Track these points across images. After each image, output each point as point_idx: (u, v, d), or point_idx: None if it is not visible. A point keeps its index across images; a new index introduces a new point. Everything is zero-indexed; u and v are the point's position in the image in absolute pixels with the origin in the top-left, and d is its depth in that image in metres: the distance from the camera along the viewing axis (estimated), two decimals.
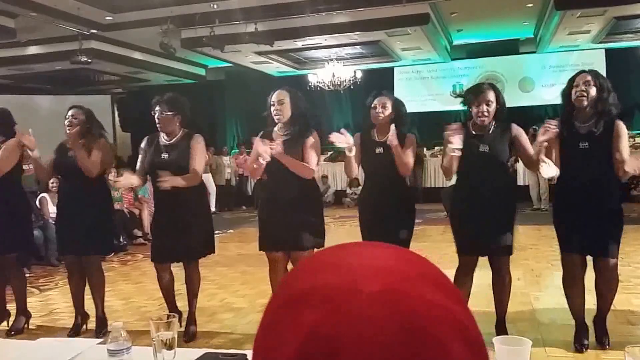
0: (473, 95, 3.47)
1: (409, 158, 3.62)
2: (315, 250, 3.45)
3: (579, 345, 3.43)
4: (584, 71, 3.38)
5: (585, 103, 3.26)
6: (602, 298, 3.46)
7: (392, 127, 3.54)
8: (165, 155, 3.79)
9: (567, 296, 3.54)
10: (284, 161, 3.48)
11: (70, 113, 3.99)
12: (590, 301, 3.53)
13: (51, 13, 8.92)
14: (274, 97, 3.66)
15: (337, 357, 0.42)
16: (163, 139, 3.86)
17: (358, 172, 3.87)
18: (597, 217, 3.28)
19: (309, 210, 3.63)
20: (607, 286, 3.41)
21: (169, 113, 3.79)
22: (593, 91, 3.26)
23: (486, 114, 3.40)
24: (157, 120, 3.81)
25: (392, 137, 3.50)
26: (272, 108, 3.64)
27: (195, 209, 3.91)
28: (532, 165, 3.47)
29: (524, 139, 3.53)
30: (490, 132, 3.47)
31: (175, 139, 3.84)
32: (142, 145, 3.95)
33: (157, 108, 3.80)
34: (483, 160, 3.45)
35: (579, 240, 3.35)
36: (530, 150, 3.47)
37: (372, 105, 3.69)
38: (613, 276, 3.39)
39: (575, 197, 3.34)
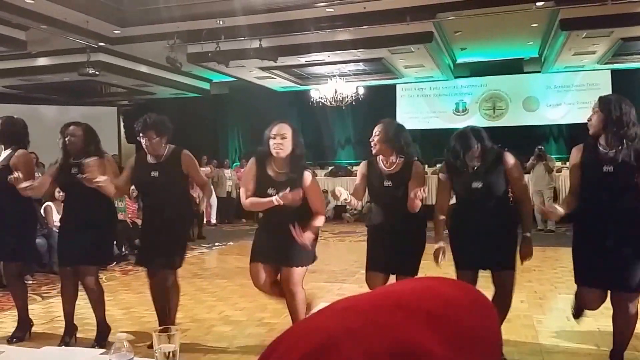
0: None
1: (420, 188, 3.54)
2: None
3: None
4: (601, 97, 3.29)
5: (591, 131, 3.22)
6: (620, 333, 3.31)
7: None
8: (155, 174, 3.87)
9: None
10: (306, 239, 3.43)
11: (72, 133, 4.01)
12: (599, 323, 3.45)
13: (61, 26, 9.08)
14: (275, 130, 3.50)
15: None
16: (150, 158, 3.94)
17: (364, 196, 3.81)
18: (620, 248, 3.12)
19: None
20: (625, 322, 3.26)
21: (156, 139, 3.86)
22: (595, 118, 3.19)
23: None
24: (145, 147, 3.90)
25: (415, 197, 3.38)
26: (272, 141, 3.49)
27: (179, 220, 4.02)
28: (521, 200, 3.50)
29: (515, 170, 3.50)
30: (482, 166, 3.44)
31: (163, 157, 3.93)
32: (130, 164, 4.04)
33: (143, 134, 3.86)
34: (478, 195, 3.44)
35: (599, 273, 3.18)
36: (521, 181, 3.48)
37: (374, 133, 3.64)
38: (633, 312, 3.22)
39: (598, 225, 3.19)
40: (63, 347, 3.35)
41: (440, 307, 0.60)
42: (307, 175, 3.57)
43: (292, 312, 3.67)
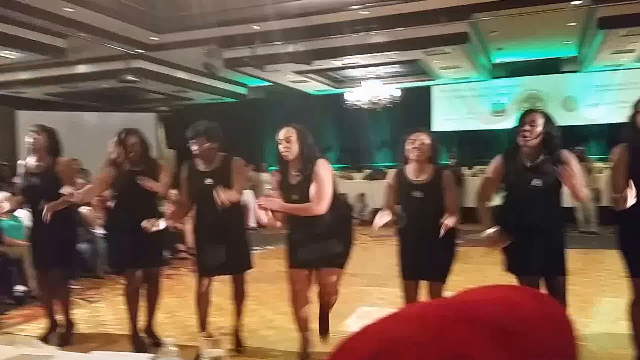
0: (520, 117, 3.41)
1: (453, 204, 3.56)
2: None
3: None
4: None
5: None
6: None
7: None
8: (210, 181, 3.86)
9: (634, 321, 3.31)
10: (287, 212, 3.62)
11: (131, 140, 4.11)
12: None
13: (100, 33, 9.29)
14: (280, 135, 3.62)
15: None
16: (202, 166, 3.94)
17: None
18: None
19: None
20: None
21: (207, 144, 3.86)
22: None
23: (527, 134, 3.33)
24: (197, 154, 3.89)
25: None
26: (280, 146, 3.60)
27: (236, 225, 4.10)
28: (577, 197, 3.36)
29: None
30: (540, 162, 3.36)
31: (215, 165, 3.93)
32: (184, 175, 4.06)
33: (194, 141, 3.86)
34: (535, 194, 3.34)
35: None
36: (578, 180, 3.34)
37: (409, 140, 3.58)
38: None
39: None
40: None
41: (507, 320, 0.59)
42: (319, 163, 3.58)
43: (322, 312, 3.79)
